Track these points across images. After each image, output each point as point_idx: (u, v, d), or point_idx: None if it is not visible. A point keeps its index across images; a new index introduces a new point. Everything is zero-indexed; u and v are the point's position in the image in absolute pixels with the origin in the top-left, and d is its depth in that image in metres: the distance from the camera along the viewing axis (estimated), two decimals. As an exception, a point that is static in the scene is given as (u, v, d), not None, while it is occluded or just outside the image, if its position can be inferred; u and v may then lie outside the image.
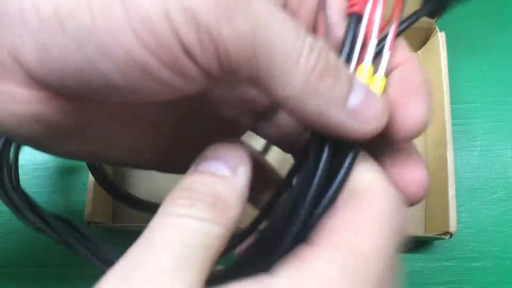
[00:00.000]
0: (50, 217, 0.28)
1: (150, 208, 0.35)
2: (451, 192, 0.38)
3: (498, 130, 0.45)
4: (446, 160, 0.38)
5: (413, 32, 0.44)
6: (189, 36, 0.13)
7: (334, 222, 0.16)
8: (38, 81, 0.14)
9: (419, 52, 0.47)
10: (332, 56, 0.15)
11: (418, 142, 0.44)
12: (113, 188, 0.35)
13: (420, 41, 0.45)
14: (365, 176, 0.17)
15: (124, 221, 0.42)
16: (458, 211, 0.42)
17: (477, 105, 0.46)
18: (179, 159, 0.20)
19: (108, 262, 0.27)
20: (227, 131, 0.22)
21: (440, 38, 0.42)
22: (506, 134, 0.45)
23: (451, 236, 0.37)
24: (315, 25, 0.19)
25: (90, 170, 0.34)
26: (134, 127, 0.20)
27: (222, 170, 0.16)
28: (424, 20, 0.42)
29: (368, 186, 0.16)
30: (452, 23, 0.46)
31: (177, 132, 0.21)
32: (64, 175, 0.44)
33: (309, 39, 0.14)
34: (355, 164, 0.17)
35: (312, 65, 0.14)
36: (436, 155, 0.41)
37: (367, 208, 0.16)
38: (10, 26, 0.13)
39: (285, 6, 0.18)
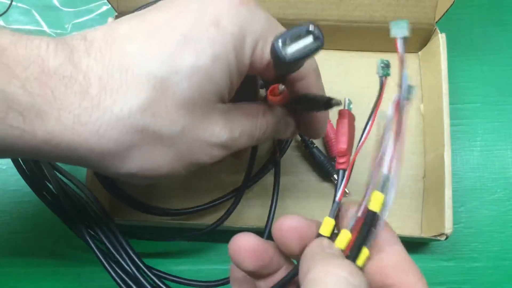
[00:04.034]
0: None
1: (142, 207, 0.39)
2: (448, 193, 0.37)
3: (498, 130, 0.45)
4: (443, 162, 0.38)
5: (414, 33, 0.43)
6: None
7: None
8: None
9: (419, 53, 0.47)
10: None
11: (416, 143, 0.44)
12: (110, 185, 0.36)
13: (420, 42, 0.45)
14: None
15: (121, 215, 0.42)
16: (458, 211, 0.42)
17: (477, 105, 0.46)
18: None
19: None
20: None
21: (440, 39, 0.42)
22: (506, 134, 0.45)
23: (446, 238, 0.37)
24: None
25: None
26: None
27: None
28: (425, 21, 0.42)
29: None
30: (452, 23, 0.45)
31: None
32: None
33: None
34: None
35: None
36: (434, 156, 0.41)
37: None
38: None
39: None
